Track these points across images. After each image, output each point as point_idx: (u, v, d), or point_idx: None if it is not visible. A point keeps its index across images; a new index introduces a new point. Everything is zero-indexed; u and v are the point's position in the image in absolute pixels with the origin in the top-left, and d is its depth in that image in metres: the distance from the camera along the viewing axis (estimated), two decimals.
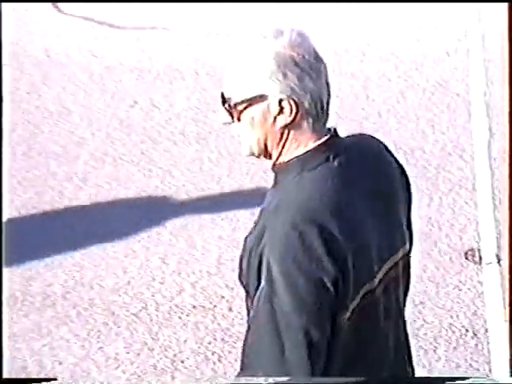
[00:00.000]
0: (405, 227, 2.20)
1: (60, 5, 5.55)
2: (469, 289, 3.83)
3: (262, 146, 2.10)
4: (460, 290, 3.82)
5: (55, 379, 3.31)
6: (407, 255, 2.21)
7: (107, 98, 4.92)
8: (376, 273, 2.10)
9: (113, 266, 3.92)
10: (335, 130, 2.12)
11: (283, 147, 2.09)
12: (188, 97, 4.93)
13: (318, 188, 2.06)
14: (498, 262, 3.92)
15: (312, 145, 2.08)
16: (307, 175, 2.07)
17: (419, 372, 3.37)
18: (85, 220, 4.17)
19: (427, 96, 4.96)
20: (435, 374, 3.36)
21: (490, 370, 3.48)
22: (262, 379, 2.06)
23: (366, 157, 2.16)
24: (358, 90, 4.91)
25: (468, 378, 2.45)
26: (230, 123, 2.12)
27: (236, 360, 3.44)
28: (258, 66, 2.04)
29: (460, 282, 3.86)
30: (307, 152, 2.07)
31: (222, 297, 3.75)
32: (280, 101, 2.04)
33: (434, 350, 3.56)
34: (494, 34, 5.29)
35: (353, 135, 2.23)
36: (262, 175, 4.30)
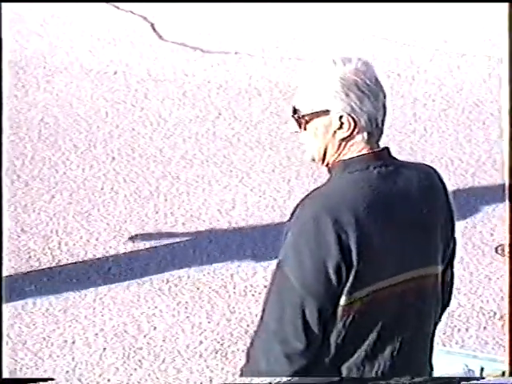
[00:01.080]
0: (440, 251, 2.10)
1: (161, 32, 5.61)
2: (497, 278, 3.79)
3: (322, 153, 2.09)
4: (490, 279, 3.79)
5: (53, 379, 3.24)
6: (437, 275, 2.09)
7: (197, 111, 4.96)
8: (387, 277, 2.02)
9: (198, 250, 3.96)
10: (388, 148, 2.09)
11: (339, 155, 2.08)
12: (263, 110, 4.94)
13: (348, 187, 2.04)
14: None
15: (360, 153, 2.06)
16: (346, 176, 2.05)
17: (454, 347, 3.37)
18: (176, 212, 4.20)
19: (465, 115, 4.91)
20: (467, 350, 3.33)
21: None
22: (262, 379, 2.03)
23: (411, 181, 2.08)
24: (406, 109, 4.89)
25: (483, 377, 2.41)
26: (297, 132, 2.12)
27: None
28: (325, 85, 2.05)
29: (490, 272, 3.82)
30: (353, 157, 2.06)
31: None
32: (340, 117, 2.05)
33: (467, 329, 3.54)
34: None
35: (413, 162, 2.19)
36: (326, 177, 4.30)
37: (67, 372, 3.37)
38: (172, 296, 3.69)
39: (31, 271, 3.79)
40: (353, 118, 2.04)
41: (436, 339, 3.41)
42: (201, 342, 3.49)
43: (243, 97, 5.04)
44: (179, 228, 4.09)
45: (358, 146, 2.06)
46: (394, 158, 2.10)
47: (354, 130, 2.05)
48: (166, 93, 5.07)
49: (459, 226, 4.00)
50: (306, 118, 2.08)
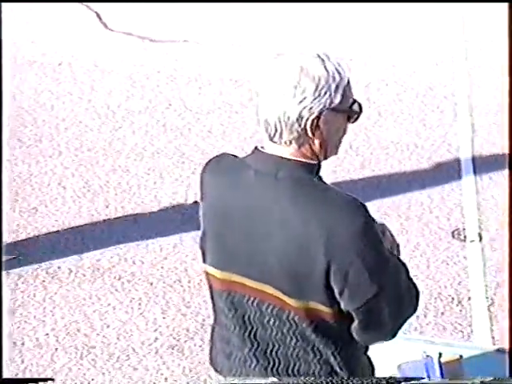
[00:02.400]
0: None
1: (106, 21, 5.55)
2: (455, 263, 3.81)
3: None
4: (447, 264, 3.81)
5: (52, 379, 3.22)
6: None
7: (146, 101, 4.92)
8: None
9: (151, 244, 3.93)
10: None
11: None
12: (214, 99, 4.92)
13: None
14: (480, 239, 3.91)
15: None
16: None
17: (413, 333, 3.38)
18: (127, 206, 4.18)
19: (419, 99, 4.94)
20: (425, 336, 3.35)
21: (471, 332, 3.47)
22: (263, 380, 2.04)
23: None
24: (360, 93, 4.89)
25: (441, 363, 2.44)
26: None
27: None
28: None
29: (447, 257, 3.84)
30: None
31: None
32: None
33: (425, 316, 3.54)
34: (476, 45, 5.27)
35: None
36: None
37: (17, 375, 3.31)
38: (125, 292, 3.65)
39: None
40: None
41: None
42: (156, 339, 3.46)
43: (193, 86, 5.01)
44: (130, 222, 4.06)
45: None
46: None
47: None
48: (114, 84, 5.02)
49: (416, 211, 4.08)
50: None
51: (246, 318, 2.05)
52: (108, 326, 3.50)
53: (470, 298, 3.61)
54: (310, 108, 1.96)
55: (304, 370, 2.03)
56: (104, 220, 4.06)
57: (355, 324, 2.01)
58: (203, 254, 2.11)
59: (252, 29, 5.47)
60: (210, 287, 2.11)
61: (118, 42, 5.39)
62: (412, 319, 3.51)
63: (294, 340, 2.02)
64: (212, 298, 2.12)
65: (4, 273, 3.72)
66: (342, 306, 1.99)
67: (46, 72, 5.10)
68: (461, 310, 3.57)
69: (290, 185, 1.95)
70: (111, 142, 4.60)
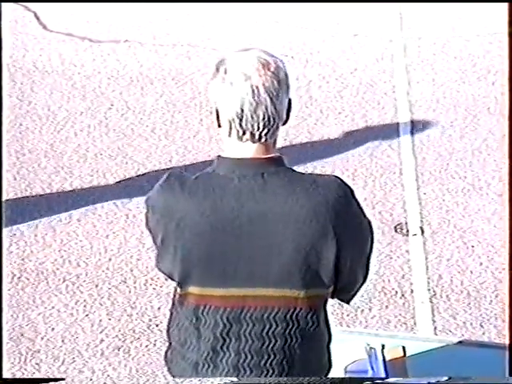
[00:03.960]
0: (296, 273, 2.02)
1: (45, 22, 5.51)
2: (398, 257, 3.87)
3: None
4: (391, 258, 3.86)
5: (53, 380, 3.20)
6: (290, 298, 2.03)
7: (88, 102, 4.90)
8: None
9: (95, 245, 3.91)
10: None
11: None
12: (157, 99, 4.92)
13: None
14: (422, 233, 3.97)
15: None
16: None
17: (358, 327, 3.43)
18: (70, 207, 4.15)
19: (360, 95, 4.99)
20: (370, 329, 3.39)
21: (414, 324, 3.53)
22: (263, 380, 2.03)
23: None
24: (301, 91, 4.94)
25: (384, 355, 2.48)
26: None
27: None
28: None
29: (391, 251, 3.90)
30: None
31: None
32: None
33: (370, 309, 3.59)
34: (414, 42, 5.34)
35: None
36: None
37: None
38: (70, 295, 3.64)
39: None
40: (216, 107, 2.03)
41: (340, 321, 3.47)
42: (102, 340, 3.44)
43: (135, 86, 4.99)
44: (74, 225, 4.04)
45: (230, 140, 2.07)
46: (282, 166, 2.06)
47: (218, 120, 2.06)
48: (55, 85, 4.98)
49: None
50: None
51: (242, 332, 2.02)
52: (52, 330, 3.48)
53: (412, 291, 3.67)
54: (287, 104, 2.03)
55: (304, 366, 2.04)
56: (47, 222, 4.04)
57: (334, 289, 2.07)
58: (185, 275, 2.04)
59: (192, 28, 5.47)
60: (195, 305, 2.05)
61: (57, 43, 5.36)
62: (358, 313, 3.59)
63: (295, 339, 2.02)
64: (195, 316, 2.06)
65: None
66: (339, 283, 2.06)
67: None
68: (404, 303, 3.62)
69: (278, 182, 1.96)
70: (53, 144, 4.57)
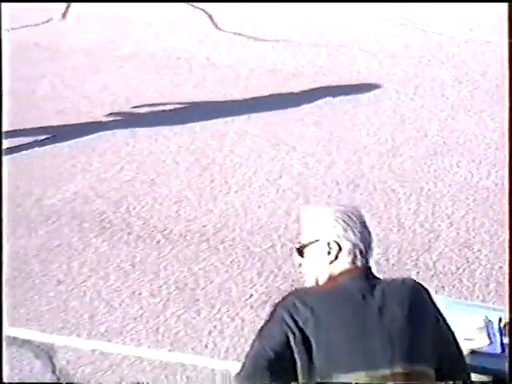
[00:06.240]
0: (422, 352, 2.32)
1: (217, 21, 5.88)
2: None
3: (317, 278, 2.43)
4: None
5: None
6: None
7: (250, 91, 5.14)
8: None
9: (249, 214, 4.03)
10: (369, 267, 2.42)
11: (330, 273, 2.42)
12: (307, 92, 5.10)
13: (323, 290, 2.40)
14: None
15: (344, 269, 2.40)
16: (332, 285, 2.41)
17: (475, 301, 3.40)
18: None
19: (489, 96, 5.02)
20: (487, 304, 3.39)
21: None
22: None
23: (386, 292, 2.36)
24: (435, 90, 5.05)
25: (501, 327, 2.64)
26: (300, 264, 2.47)
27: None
28: (318, 221, 2.45)
29: None
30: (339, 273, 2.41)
31: None
32: (328, 243, 2.40)
33: (487, 285, 3.63)
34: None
35: (393, 278, 2.46)
36: None
37: (135, 319, 3.46)
38: (226, 254, 3.78)
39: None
40: (337, 243, 2.40)
41: (459, 295, 3.49)
42: (251, 295, 3.61)
43: (290, 80, 5.28)
44: (231, 194, 4.24)
45: (343, 266, 2.41)
46: (375, 276, 2.42)
47: (338, 253, 2.40)
48: (223, 77, 5.38)
49: None
50: (304, 247, 2.45)
51: None
52: (211, 282, 3.70)
53: None
54: None
55: None
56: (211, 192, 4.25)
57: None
58: (309, 367, 2.29)
59: (343, 29, 5.66)
60: None
61: (227, 41, 5.69)
62: (475, 289, 3.56)
63: None
64: None
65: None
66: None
67: (165, 66, 5.50)
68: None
69: (387, 287, 2.42)
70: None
